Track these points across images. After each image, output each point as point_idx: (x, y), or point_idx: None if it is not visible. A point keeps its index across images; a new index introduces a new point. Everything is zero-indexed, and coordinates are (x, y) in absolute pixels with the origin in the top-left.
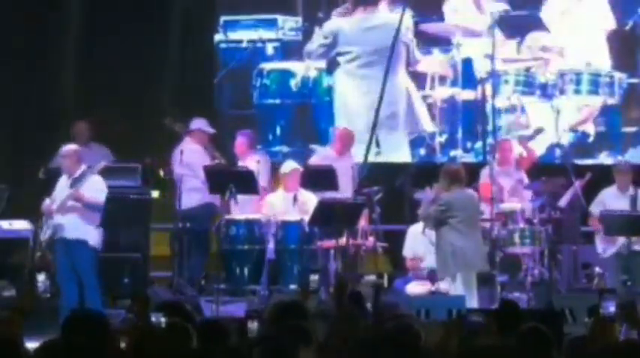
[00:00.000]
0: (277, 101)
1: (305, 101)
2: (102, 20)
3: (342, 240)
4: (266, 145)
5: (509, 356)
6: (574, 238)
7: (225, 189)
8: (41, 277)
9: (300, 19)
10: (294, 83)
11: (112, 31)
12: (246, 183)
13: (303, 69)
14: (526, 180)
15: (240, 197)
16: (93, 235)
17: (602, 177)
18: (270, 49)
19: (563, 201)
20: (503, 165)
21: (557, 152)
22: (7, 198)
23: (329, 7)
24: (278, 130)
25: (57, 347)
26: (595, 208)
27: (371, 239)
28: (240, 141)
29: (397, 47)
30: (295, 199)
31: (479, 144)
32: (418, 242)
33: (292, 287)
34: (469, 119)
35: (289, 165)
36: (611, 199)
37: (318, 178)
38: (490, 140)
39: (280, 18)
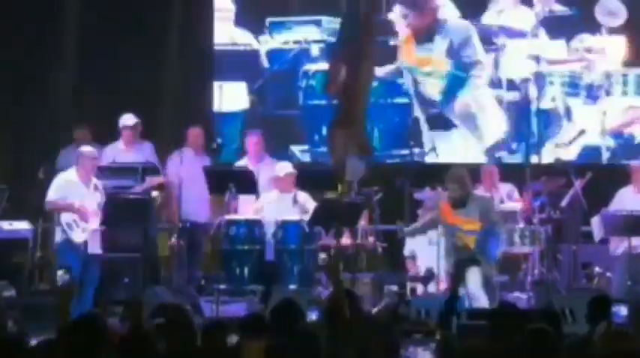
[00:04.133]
0: (323, 102)
1: None
2: (102, 21)
3: (343, 240)
4: (312, 145)
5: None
6: (574, 238)
7: (225, 189)
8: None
9: None
10: None
11: (111, 32)
12: (246, 183)
13: None
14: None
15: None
16: None
17: (603, 177)
18: (315, 50)
19: (564, 202)
20: (490, 189)
21: (605, 154)
22: (7, 198)
23: (370, 7)
24: (324, 131)
25: (53, 347)
26: (613, 209)
27: (371, 239)
28: (258, 140)
29: None
30: (295, 200)
31: (524, 146)
32: (418, 242)
33: (292, 287)
34: (513, 121)
35: (285, 168)
36: (628, 199)
37: (318, 178)
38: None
39: (325, 19)
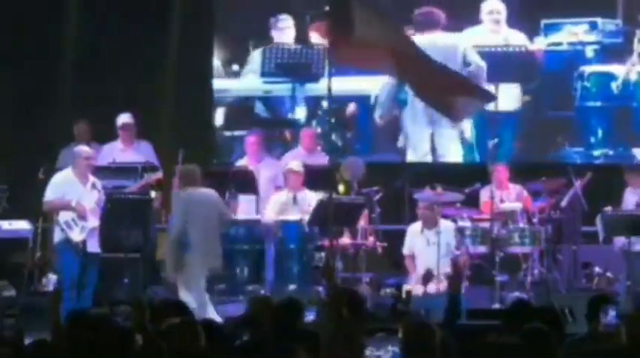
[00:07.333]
0: (598, 104)
1: (626, 104)
2: (102, 20)
3: (342, 240)
4: (587, 148)
5: (515, 354)
6: (574, 238)
7: (224, 189)
8: (53, 276)
9: (620, 21)
10: (615, 86)
11: (111, 31)
12: (246, 183)
13: (623, 72)
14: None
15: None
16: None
17: (603, 177)
18: (589, 51)
19: (564, 202)
20: (501, 189)
21: None
22: (7, 198)
23: None
24: (600, 133)
25: (47, 347)
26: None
27: (371, 239)
28: (256, 140)
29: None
30: (295, 200)
31: None
32: (416, 241)
33: (292, 287)
34: None
35: (293, 166)
36: (629, 196)
37: (318, 178)
38: None
39: (600, 21)
